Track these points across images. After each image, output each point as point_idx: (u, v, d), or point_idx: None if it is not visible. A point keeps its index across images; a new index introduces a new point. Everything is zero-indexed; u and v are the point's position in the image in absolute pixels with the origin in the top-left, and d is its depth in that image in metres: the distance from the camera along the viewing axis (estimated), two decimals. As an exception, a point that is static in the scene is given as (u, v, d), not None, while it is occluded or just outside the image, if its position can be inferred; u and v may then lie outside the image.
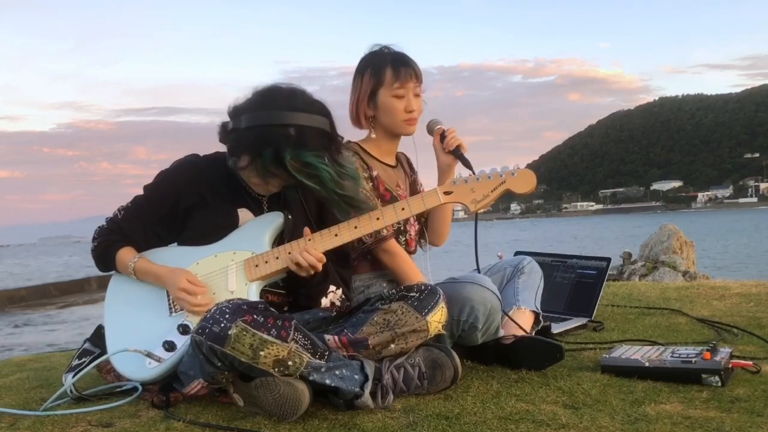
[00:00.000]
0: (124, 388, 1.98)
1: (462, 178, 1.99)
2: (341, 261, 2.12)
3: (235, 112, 1.94)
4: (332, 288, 2.03)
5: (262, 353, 1.62)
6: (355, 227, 1.95)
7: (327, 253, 1.98)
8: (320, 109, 1.94)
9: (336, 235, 1.94)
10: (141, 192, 2.10)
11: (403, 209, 1.97)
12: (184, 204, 2.05)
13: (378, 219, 1.96)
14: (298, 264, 1.89)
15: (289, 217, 2.03)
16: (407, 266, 2.28)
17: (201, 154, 2.15)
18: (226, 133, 1.98)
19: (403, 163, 2.53)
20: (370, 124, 2.34)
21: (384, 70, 2.30)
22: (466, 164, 2.28)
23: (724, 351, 1.90)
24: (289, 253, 1.91)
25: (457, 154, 2.33)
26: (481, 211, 1.98)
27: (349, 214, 2.00)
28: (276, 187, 2.02)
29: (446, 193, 1.98)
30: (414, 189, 2.53)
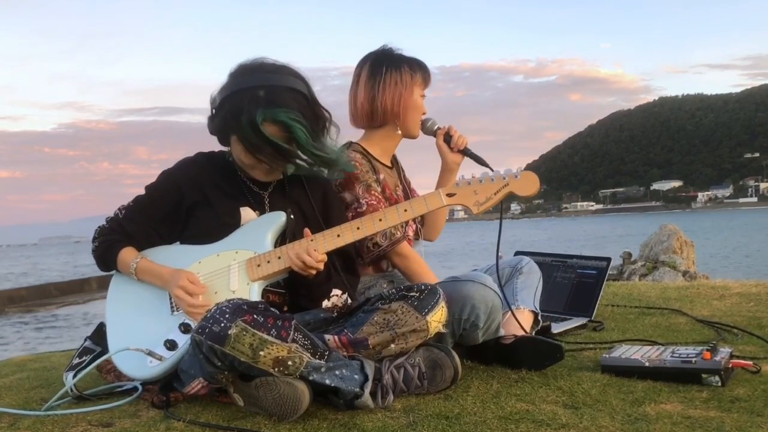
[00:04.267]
0: (124, 388, 1.98)
1: (465, 180, 1.99)
2: (348, 267, 2.13)
3: (213, 97, 2.00)
4: (337, 292, 2.02)
5: (261, 353, 1.62)
6: (358, 228, 1.95)
7: (335, 258, 1.98)
8: (290, 71, 1.97)
9: (338, 235, 1.94)
10: (142, 191, 2.10)
11: (405, 211, 1.98)
12: (187, 202, 2.05)
13: (381, 220, 1.97)
14: (299, 264, 1.89)
15: (291, 216, 2.03)
16: (421, 268, 2.29)
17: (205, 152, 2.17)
18: (211, 121, 2.03)
19: (394, 161, 2.53)
20: (401, 120, 2.35)
21: (416, 69, 2.36)
22: (481, 161, 2.33)
23: (724, 351, 1.90)
24: (291, 252, 1.91)
25: (469, 152, 2.37)
26: (484, 212, 1.99)
27: (332, 174, 2.10)
28: (270, 165, 2.00)
29: (449, 195, 1.98)
30: (404, 184, 2.53)
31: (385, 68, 2.34)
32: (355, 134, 2.43)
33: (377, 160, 2.38)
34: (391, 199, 2.33)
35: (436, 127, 2.40)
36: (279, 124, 1.89)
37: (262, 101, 1.87)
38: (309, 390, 1.66)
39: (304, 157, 1.98)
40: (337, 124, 2.06)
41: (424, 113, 2.40)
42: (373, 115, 2.34)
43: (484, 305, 2.00)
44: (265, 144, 1.91)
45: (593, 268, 3.00)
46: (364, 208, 2.22)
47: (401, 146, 2.49)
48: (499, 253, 2.23)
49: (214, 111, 2.01)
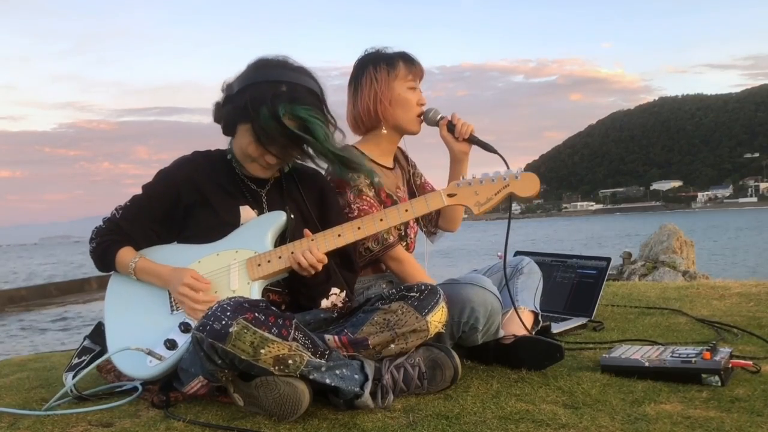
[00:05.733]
0: (124, 388, 1.98)
1: (465, 181, 1.98)
2: (346, 264, 2.13)
3: (228, 84, 2.01)
4: (335, 290, 2.02)
5: (262, 351, 1.62)
6: (359, 228, 1.95)
7: (332, 256, 1.98)
8: (310, 74, 2.01)
9: (339, 235, 1.94)
10: (140, 192, 2.10)
11: (406, 211, 1.97)
12: (184, 202, 2.05)
13: (381, 220, 1.96)
14: (299, 263, 1.90)
15: (291, 216, 2.03)
16: (415, 271, 2.27)
17: (201, 151, 2.16)
18: (220, 108, 2.03)
19: (400, 160, 2.51)
20: (384, 119, 2.30)
21: (397, 62, 2.31)
22: (488, 148, 2.29)
23: (724, 351, 1.90)
24: (292, 252, 1.91)
25: (475, 140, 2.33)
26: (484, 213, 1.99)
27: (345, 174, 2.10)
28: (274, 161, 2.01)
29: (450, 195, 1.98)
30: (412, 184, 2.52)
31: (362, 71, 2.31)
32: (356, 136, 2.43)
33: (376, 163, 2.35)
34: (386, 202, 2.29)
35: (438, 117, 2.35)
36: (298, 120, 1.91)
37: (284, 96, 1.90)
38: (309, 390, 1.66)
39: (320, 151, 1.97)
40: (342, 130, 2.07)
41: (421, 104, 2.34)
42: (357, 121, 2.33)
43: (483, 308, 2.00)
44: (281, 135, 1.92)
45: (593, 268, 3.00)
46: (355, 214, 2.19)
47: (408, 145, 2.48)
48: (499, 253, 2.22)
49: (225, 98, 2.00)
